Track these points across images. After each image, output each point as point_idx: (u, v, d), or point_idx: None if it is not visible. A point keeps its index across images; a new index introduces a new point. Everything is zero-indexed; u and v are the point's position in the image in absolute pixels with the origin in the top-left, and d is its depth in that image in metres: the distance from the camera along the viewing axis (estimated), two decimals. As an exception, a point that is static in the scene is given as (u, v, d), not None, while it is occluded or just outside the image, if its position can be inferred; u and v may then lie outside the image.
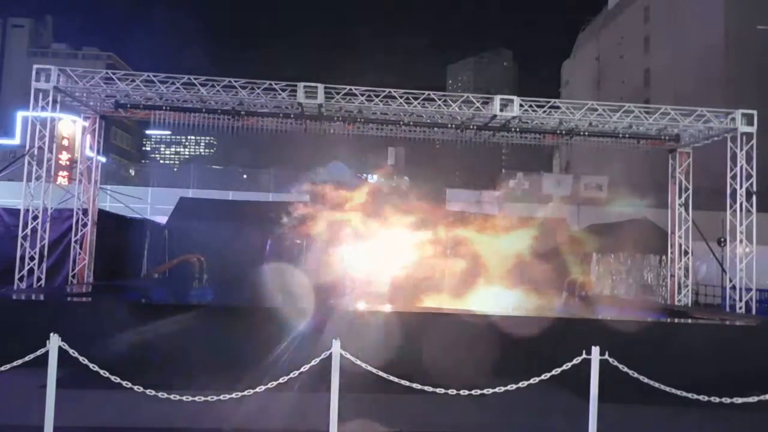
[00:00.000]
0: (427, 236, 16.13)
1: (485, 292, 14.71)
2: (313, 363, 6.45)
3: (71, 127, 35.83)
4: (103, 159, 17.32)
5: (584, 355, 6.30)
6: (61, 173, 34.30)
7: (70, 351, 6.15)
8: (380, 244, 15.71)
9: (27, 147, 14.69)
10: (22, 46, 78.51)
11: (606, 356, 6.32)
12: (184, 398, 6.19)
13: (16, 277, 13.22)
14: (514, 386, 6.45)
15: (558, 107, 14.84)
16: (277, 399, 7.57)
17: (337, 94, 14.09)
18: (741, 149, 14.48)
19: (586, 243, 19.30)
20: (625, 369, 6.47)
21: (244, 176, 35.31)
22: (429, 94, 14.33)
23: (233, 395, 6.26)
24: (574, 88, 66.80)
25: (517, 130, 15.28)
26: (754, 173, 14.48)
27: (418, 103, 14.36)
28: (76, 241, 14.81)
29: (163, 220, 20.30)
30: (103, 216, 16.06)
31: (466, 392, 6.71)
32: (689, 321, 12.51)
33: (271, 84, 13.95)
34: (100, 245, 15.20)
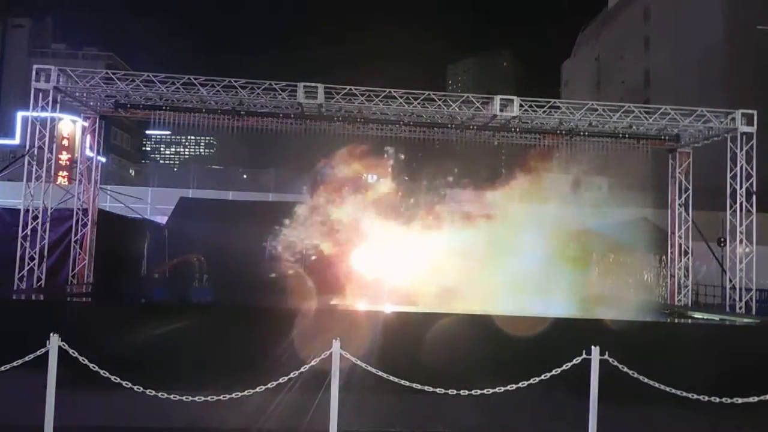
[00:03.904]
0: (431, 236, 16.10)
1: (488, 293, 14.69)
2: (313, 363, 6.45)
3: (71, 127, 35.90)
4: (103, 159, 17.32)
5: (584, 355, 6.30)
6: (61, 173, 34.35)
7: (70, 351, 6.15)
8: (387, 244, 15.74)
9: (27, 147, 14.69)
10: (22, 46, 78.47)
11: (606, 356, 6.32)
12: (184, 398, 6.19)
13: (16, 277, 13.21)
14: (514, 386, 6.45)
15: (558, 107, 14.85)
16: (277, 399, 7.57)
17: (337, 94, 14.09)
18: (741, 149, 14.48)
19: (585, 243, 19.25)
20: (625, 369, 6.47)
21: (244, 176, 35.31)
22: (429, 94, 14.34)
23: (233, 395, 6.26)
24: (574, 88, 66.86)
25: (517, 130, 15.28)
26: (754, 173, 14.48)
27: (418, 103, 14.36)
28: (76, 242, 14.81)
29: (163, 220, 20.30)
30: (103, 216, 16.05)
31: (466, 392, 6.71)
32: (689, 321, 12.52)
33: (271, 84, 13.95)
34: (100, 245, 15.20)
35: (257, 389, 6.31)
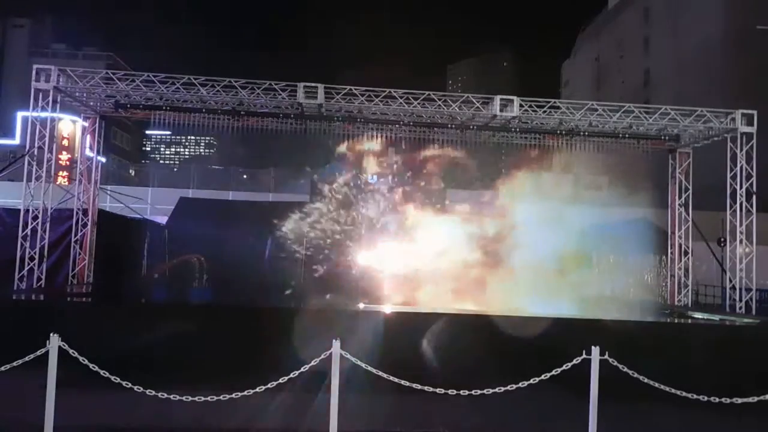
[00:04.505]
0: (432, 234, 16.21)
1: (490, 292, 14.75)
2: (313, 363, 6.45)
3: (71, 127, 35.90)
4: (103, 159, 17.32)
5: (584, 355, 6.30)
6: (61, 173, 34.35)
7: (70, 351, 6.15)
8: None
9: (27, 147, 14.70)
10: (22, 46, 78.36)
11: (606, 356, 6.32)
12: (184, 398, 6.19)
13: (16, 277, 13.21)
14: (514, 386, 6.45)
15: (558, 107, 14.84)
16: (277, 399, 7.57)
17: (337, 94, 14.08)
18: (741, 149, 14.48)
19: (586, 243, 19.26)
20: (625, 369, 6.47)
21: (244, 176, 35.23)
22: (429, 94, 14.33)
23: (233, 395, 6.26)
24: (574, 88, 66.84)
25: (517, 130, 15.28)
26: (754, 173, 14.48)
27: (418, 103, 14.36)
28: (76, 241, 14.81)
29: (163, 220, 20.29)
30: (103, 216, 16.06)
31: (466, 392, 6.71)
32: (689, 321, 12.52)
33: (271, 84, 13.94)
34: (100, 245, 15.20)
35: (257, 389, 6.31)
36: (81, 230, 14.86)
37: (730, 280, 15.08)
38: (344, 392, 6.26)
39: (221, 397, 6.25)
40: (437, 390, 6.39)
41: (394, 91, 14.24)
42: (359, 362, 6.46)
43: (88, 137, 15.69)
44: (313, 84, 13.86)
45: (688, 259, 16.16)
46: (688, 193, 16.03)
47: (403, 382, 6.41)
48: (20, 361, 6.05)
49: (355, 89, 14.14)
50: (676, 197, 16.18)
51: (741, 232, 14.42)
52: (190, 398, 6.19)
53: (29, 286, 13.30)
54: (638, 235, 18.41)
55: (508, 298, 14.02)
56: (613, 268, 19.31)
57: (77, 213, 14.89)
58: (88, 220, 14.95)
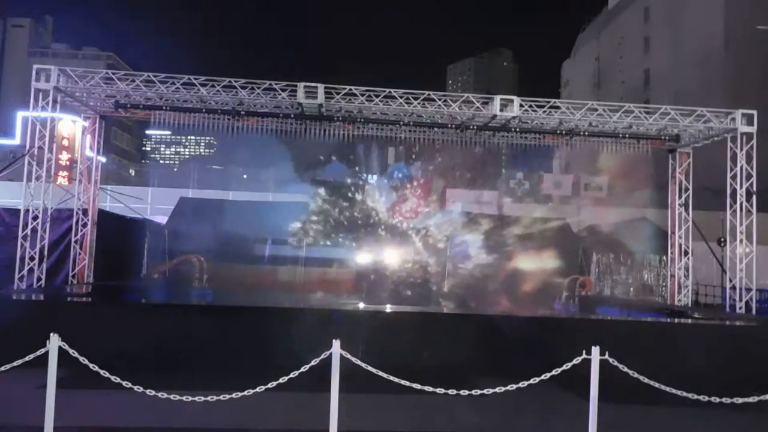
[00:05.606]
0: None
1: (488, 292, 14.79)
2: (313, 363, 6.45)
3: (71, 127, 35.87)
4: (103, 159, 17.32)
5: (584, 355, 6.30)
6: (61, 173, 34.34)
7: (70, 351, 6.15)
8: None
9: (27, 147, 14.69)
10: (22, 46, 78.42)
11: (606, 356, 6.32)
12: (184, 398, 6.18)
13: (16, 277, 13.22)
14: (514, 386, 6.45)
15: (558, 107, 14.83)
16: (277, 399, 7.56)
17: (337, 94, 14.08)
18: (741, 149, 14.48)
19: (586, 243, 19.36)
20: (625, 369, 6.47)
21: (244, 176, 35.21)
22: (429, 94, 14.32)
23: (233, 395, 6.26)
24: (574, 88, 66.81)
25: (517, 130, 15.27)
26: (754, 173, 14.48)
27: (418, 103, 14.35)
28: (76, 241, 14.81)
29: (163, 220, 20.31)
30: (103, 216, 16.06)
31: (466, 392, 6.71)
32: (689, 321, 12.52)
33: (271, 84, 13.94)
34: (100, 245, 15.20)
35: (257, 389, 6.31)
36: (81, 230, 14.86)
37: (730, 280, 15.08)
38: (344, 392, 6.26)
39: (221, 397, 6.25)
40: (437, 390, 6.39)
41: (394, 91, 14.23)
42: (359, 362, 6.46)
43: (88, 137, 15.68)
44: (313, 84, 13.85)
45: (688, 259, 16.16)
46: (688, 193, 16.02)
47: (403, 382, 6.41)
48: (20, 361, 6.05)
49: (355, 89, 14.12)
50: (676, 197, 16.18)
51: (741, 232, 14.41)
52: (190, 398, 6.18)
53: (29, 286, 13.29)
54: (638, 235, 18.45)
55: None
56: (613, 268, 19.34)
57: (77, 213, 14.89)
58: (88, 220, 14.94)
